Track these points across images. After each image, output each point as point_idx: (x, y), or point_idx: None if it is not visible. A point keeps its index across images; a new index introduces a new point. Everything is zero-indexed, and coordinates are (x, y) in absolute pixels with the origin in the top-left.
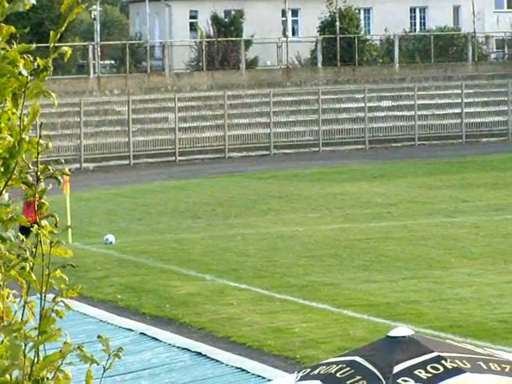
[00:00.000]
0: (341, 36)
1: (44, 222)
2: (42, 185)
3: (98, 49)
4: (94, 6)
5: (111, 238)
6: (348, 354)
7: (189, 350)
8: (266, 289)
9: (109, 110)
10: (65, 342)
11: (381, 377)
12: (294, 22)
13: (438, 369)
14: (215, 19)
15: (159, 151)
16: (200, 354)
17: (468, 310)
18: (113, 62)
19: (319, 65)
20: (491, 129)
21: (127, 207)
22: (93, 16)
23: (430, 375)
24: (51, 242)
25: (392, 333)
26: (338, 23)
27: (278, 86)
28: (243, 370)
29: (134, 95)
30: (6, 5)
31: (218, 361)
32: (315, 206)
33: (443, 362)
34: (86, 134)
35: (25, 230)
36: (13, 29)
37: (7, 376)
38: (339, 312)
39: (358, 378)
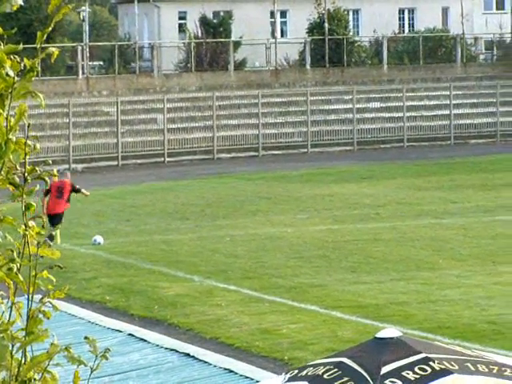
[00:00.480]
0: (329, 37)
1: (31, 223)
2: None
3: (87, 50)
4: (83, 7)
5: (99, 238)
6: (336, 356)
7: (177, 351)
8: (255, 290)
9: (97, 111)
10: (52, 343)
11: (368, 378)
12: (283, 24)
13: (425, 370)
14: (204, 20)
15: (148, 152)
16: (188, 355)
17: (456, 311)
18: (101, 63)
19: (308, 66)
20: (480, 130)
21: (116, 208)
22: (81, 17)
23: (417, 376)
24: (38, 243)
25: (380, 334)
26: (326, 24)
27: (267, 87)
28: (231, 371)
29: (122, 96)
30: None
31: (206, 362)
32: (304, 208)
33: (431, 363)
34: (74, 135)
35: (53, 218)
36: (0, 30)
37: None
38: (327, 313)
39: (346, 379)
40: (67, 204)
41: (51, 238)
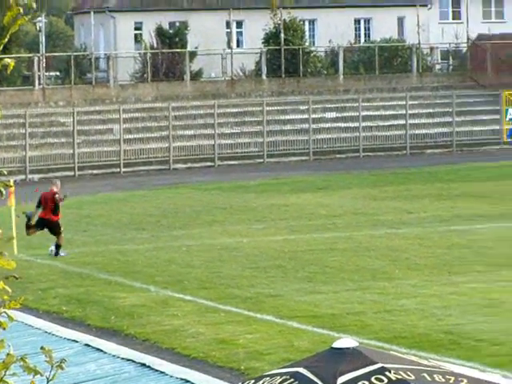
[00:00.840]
0: (285, 47)
1: None
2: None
3: (44, 60)
4: (39, 18)
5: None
6: (292, 366)
7: (133, 361)
8: (211, 300)
9: (54, 122)
10: (8, 353)
11: None
12: (239, 34)
13: (382, 380)
14: (160, 31)
15: (104, 163)
16: (144, 365)
17: (412, 321)
18: (58, 73)
19: (264, 76)
20: (436, 140)
21: (72, 219)
22: (38, 28)
23: None
24: None
25: (336, 344)
26: (282, 35)
27: (223, 98)
28: (188, 382)
29: (78, 107)
30: None
31: (162, 372)
32: (260, 218)
33: (387, 373)
34: (31, 146)
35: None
36: None
37: None
38: (284, 323)
39: None
40: (55, 215)
41: (57, 246)
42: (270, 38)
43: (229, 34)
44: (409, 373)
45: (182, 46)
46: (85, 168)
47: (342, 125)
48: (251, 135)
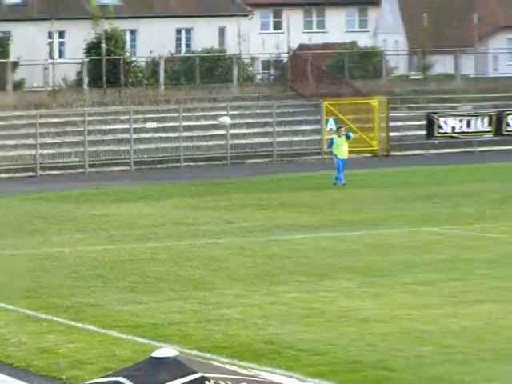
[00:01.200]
0: (106, 58)
1: None
2: None
3: None
4: None
5: (226, 120)
6: (113, 375)
7: None
8: (33, 309)
9: None
10: None
11: None
12: (61, 44)
13: None
14: None
15: None
16: None
17: (233, 330)
18: None
19: (85, 86)
20: (256, 150)
21: None
22: None
23: None
24: None
25: (155, 353)
26: (103, 45)
27: (45, 108)
28: None
29: None
30: None
31: None
32: (81, 228)
33: (207, 382)
34: None
35: None
36: None
37: None
38: (105, 333)
39: None
40: None
41: None
42: (92, 49)
43: (51, 45)
44: (229, 382)
45: (5, 56)
46: None
47: (163, 135)
48: (73, 145)
